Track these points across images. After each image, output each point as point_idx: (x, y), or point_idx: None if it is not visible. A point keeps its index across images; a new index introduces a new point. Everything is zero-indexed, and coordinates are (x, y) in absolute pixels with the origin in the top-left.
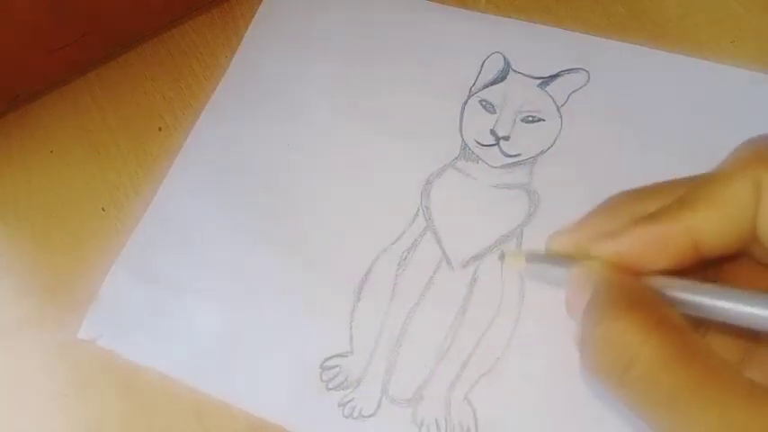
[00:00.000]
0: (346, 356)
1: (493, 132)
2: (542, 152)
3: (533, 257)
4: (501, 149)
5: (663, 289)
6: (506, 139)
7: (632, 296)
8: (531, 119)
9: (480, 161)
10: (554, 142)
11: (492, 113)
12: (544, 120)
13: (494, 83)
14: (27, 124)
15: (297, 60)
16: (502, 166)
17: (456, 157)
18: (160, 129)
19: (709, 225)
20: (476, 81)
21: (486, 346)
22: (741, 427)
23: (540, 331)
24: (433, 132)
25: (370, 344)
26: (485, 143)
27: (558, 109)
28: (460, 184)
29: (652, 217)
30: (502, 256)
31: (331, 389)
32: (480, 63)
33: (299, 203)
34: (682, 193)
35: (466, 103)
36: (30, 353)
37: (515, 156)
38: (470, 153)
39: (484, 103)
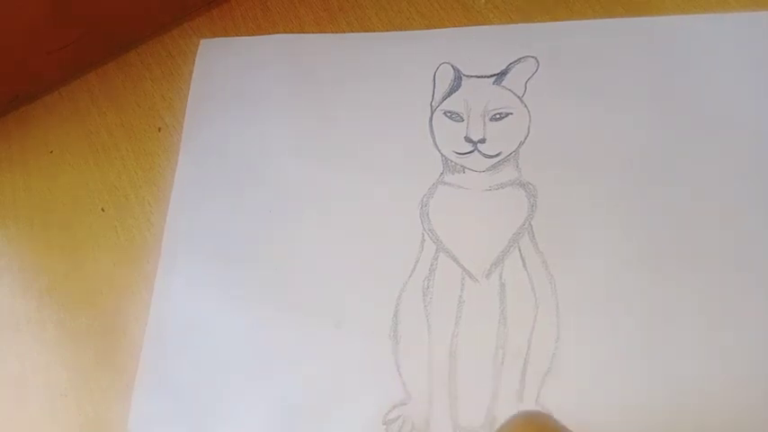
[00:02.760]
0: (406, 404)
1: (467, 139)
2: (521, 144)
3: None
4: (481, 153)
5: None
6: (482, 141)
7: None
8: (498, 116)
9: (466, 170)
10: (528, 131)
11: (460, 122)
12: (512, 113)
13: (451, 93)
14: (27, 124)
15: (248, 124)
16: (488, 169)
17: (441, 173)
18: (160, 129)
19: None
20: (433, 96)
21: (538, 345)
22: None
23: (582, 313)
24: (410, 156)
25: (424, 383)
26: (463, 151)
27: (521, 99)
28: (455, 196)
29: None
30: None
31: None
32: (432, 78)
33: (302, 268)
34: None
35: (431, 119)
36: (30, 353)
37: (497, 155)
38: (454, 165)
39: (449, 114)
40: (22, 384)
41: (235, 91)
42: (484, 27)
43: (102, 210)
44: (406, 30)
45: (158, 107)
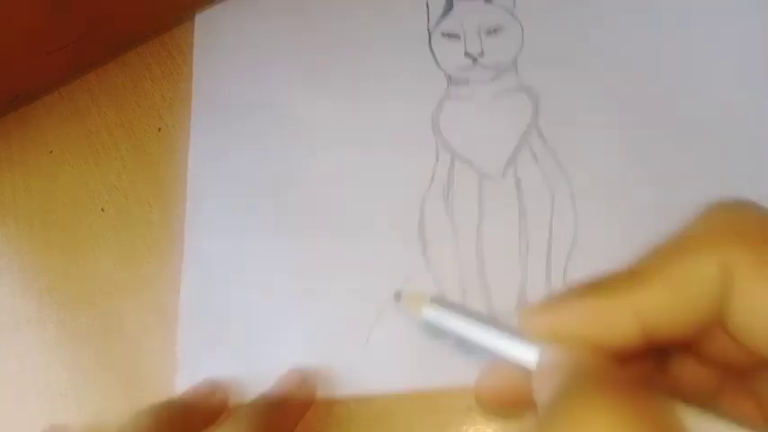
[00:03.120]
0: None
1: (468, 54)
2: (518, 53)
3: (436, 302)
4: (482, 65)
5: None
6: (482, 55)
7: (609, 378)
8: (493, 31)
9: (470, 82)
10: (523, 42)
11: (458, 40)
12: (504, 27)
13: (444, 15)
14: (27, 124)
15: (255, 69)
16: (491, 79)
17: (447, 89)
18: (160, 129)
19: (662, 306)
20: (428, 20)
21: (558, 230)
22: None
23: (595, 196)
24: (415, 77)
25: (456, 278)
26: (465, 66)
27: (512, 13)
28: (462, 107)
29: (595, 288)
30: (398, 297)
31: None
32: (425, 4)
33: (327, 191)
34: (634, 263)
35: (430, 41)
36: (30, 353)
37: (496, 66)
38: (457, 79)
39: (446, 34)
40: (22, 384)
41: (240, 43)
42: None
43: (102, 210)
44: None
45: (158, 107)
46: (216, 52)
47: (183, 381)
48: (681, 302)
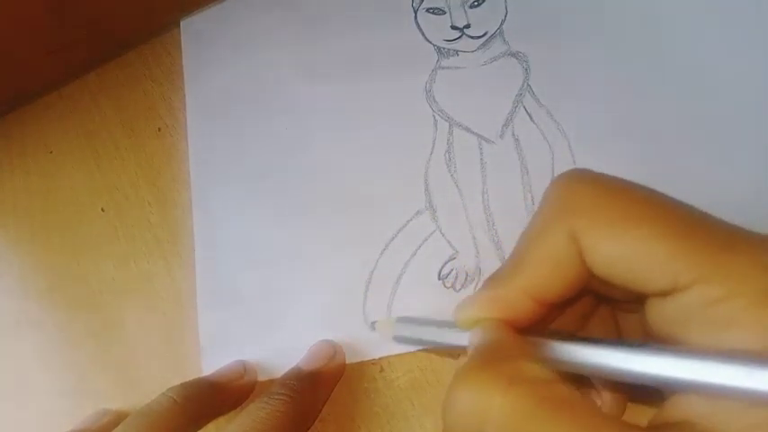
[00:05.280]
0: (455, 258)
1: (454, 27)
2: (503, 21)
3: (403, 322)
4: (469, 36)
5: (547, 350)
6: (468, 26)
7: (487, 354)
8: (476, 3)
9: (459, 53)
10: (506, 10)
11: (443, 14)
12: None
13: None
14: (27, 124)
15: (247, 61)
16: (478, 48)
17: (437, 60)
18: (160, 129)
19: (541, 281)
20: None
21: None
22: None
23: (592, 146)
24: (405, 53)
25: (469, 238)
26: (452, 38)
27: None
28: (454, 77)
29: (493, 281)
30: (373, 326)
31: (460, 289)
32: None
33: (330, 168)
34: (514, 252)
35: (416, 18)
36: (30, 353)
37: (483, 35)
38: (447, 51)
39: (431, 10)
40: (22, 384)
41: (228, 36)
42: None
43: (102, 210)
44: None
45: (158, 107)
46: (203, 47)
47: (208, 366)
48: (550, 274)
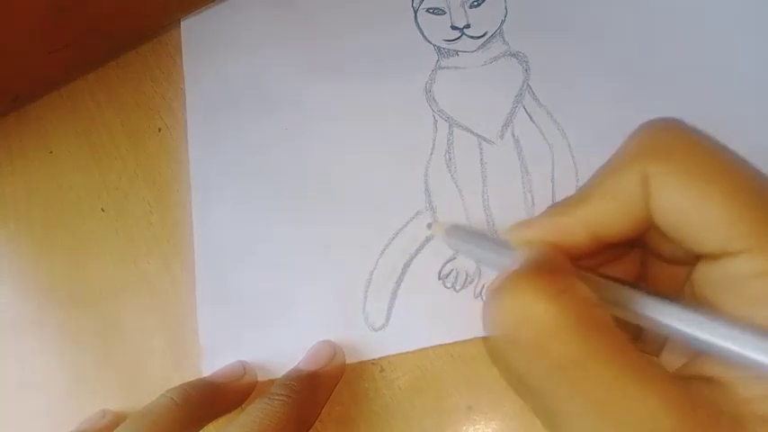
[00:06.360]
0: (455, 258)
1: (454, 27)
2: (503, 21)
3: (454, 230)
4: (469, 36)
5: (595, 285)
6: (468, 26)
7: (543, 266)
8: (476, 3)
9: (459, 53)
10: (506, 10)
11: (443, 14)
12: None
13: None
14: (27, 124)
15: (247, 61)
16: (478, 48)
17: (437, 61)
18: (160, 129)
19: (602, 216)
20: None
21: (560, 182)
22: (626, 408)
23: (593, 147)
24: (405, 53)
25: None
26: (452, 38)
27: None
28: (454, 77)
29: (556, 209)
30: (430, 225)
31: (460, 289)
32: None
33: (330, 168)
34: (584, 184)
35: (416, 18)
36: (30, 353)
37: (483, 35)
38: (447, 51)
39: (431, 10)
40: (22, 385)
41: (228, 36)
42: None
43: (102, 210)
44: None
45: (158, 107)
46: (203, 47)
47: (208, 367)
48: (613, 211)
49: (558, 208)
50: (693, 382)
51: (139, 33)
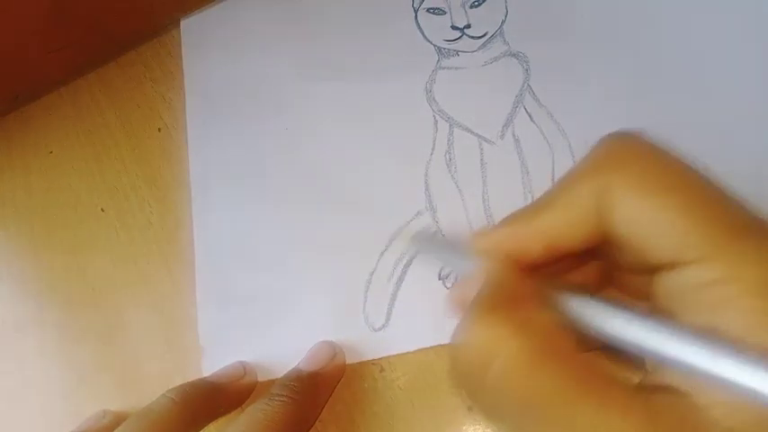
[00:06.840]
0: None
1: (454, 27)
2: (503, 22)
3: (419, 236)
4: (469, 36)
5: (560, 302)
6: (468, 27)
7: (505, 296)
8: (476, 3)
9: (459, 53)
10: (507, 10)
11: (443, 14)
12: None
13: None
14: (27, 124)
15: (247, 62)
16: (479, 48)
17: (438, 61)
18: (160, 129)
19: (557, 227)
20: None
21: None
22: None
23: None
24: (405, 53)
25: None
26: (452, 38)
27: None
28: (455, 77)
29: (513, 218)
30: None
31: None
32: None
33: (330, 167)
34: (542, 195)
35: (416, 18)
36: (30, 353)
37: (484, 35)
38: (447, 51)
39: (431, 10)
40: (22, 385)
41: (230, 36)
42: None
43: (102, 210)
44: None
45: (158, 107)
46: (203, 47)
47: (208, 367)
48: (567, 222)
49: (515, 218)
50: (657, 392)
51: (139, 33)
